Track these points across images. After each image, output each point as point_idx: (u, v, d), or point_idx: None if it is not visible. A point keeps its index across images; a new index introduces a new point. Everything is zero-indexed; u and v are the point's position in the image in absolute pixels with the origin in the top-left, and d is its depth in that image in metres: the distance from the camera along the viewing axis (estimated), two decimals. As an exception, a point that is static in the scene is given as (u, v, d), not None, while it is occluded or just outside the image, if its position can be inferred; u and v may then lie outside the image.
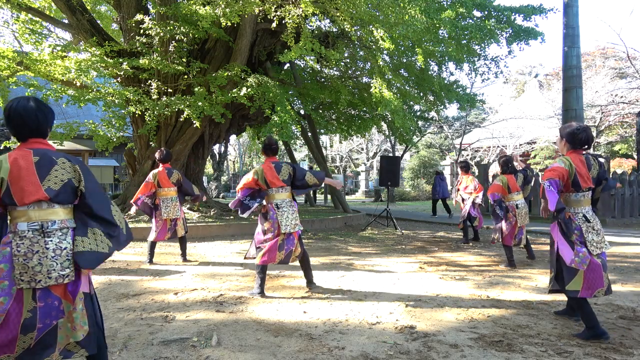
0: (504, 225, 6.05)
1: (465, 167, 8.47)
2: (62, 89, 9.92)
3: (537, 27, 9.56)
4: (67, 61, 8.94)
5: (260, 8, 8.15)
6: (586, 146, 3.35)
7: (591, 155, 3.39)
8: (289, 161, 4.55)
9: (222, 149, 27.74)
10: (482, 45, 9.74)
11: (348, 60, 12.88)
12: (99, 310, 2.31)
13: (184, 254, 6.29)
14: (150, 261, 6.09)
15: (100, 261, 2.19)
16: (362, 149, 34.18)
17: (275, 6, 8.11)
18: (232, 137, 28.09)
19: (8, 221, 2.16)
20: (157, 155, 6.33)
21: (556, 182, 3.20)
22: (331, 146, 35.07)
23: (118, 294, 4.41)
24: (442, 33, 9.13)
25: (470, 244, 8.30)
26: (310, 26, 11.14)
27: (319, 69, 13.13)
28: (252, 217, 11.17)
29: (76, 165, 2.22)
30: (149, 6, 10.57)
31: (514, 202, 6.11)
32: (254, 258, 4.47)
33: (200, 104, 8.83)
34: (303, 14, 7.83)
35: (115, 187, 22.04)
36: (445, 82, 11.57)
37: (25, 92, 10.36)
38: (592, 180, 3.31)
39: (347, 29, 8.48)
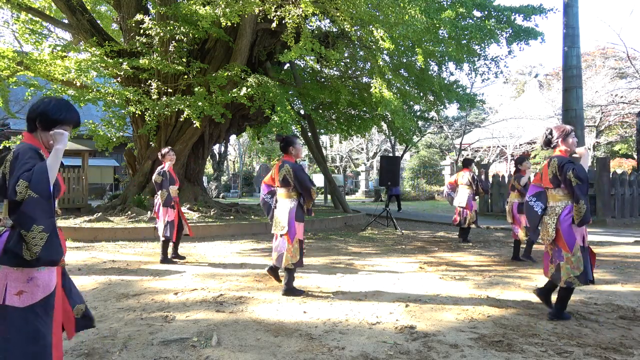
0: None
1: (466, 163, 8.45)
2: (62, 89, 9.94)
3: (537, 27, 9.57)
4: (67, 61, 8.95)
5: (260, 8, 8.16)
6: (546, 147, 3.79)
7: (555, 158, 3.60)
8: (295, 163, 4.45)
9: (222, 149, 27.75)
10: (482, 45, 9.75)
11: (348, 60, 12.88)
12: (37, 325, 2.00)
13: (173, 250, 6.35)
14: (173, 257, 6.25)
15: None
16: (362, 149, 34.20)
17: (275, 6, 8.11)
18: (232, 137, 28.08)
19: None
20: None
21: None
22: (331, 146, 35.09)
23: (118, 294, 4.41)
24: (442, 33, 9.13)
25: (471, 243, 8.29)
26: (310, 26, 11.15)
27: (319, 69, 13.14)
28: (253, 216, 11.17)
29: (9, 160, 1.97)
30: (149, 6, 10.58)
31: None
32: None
33: (200, 104, 8.84)
34: (303, 14, 7.83)
35: (115, 187, 22.05)
36: (445, 82, 11.57)
37: (26, 92, 10.37)
38: (548, 180, 3.61)
39: (347, 29, 8.48)
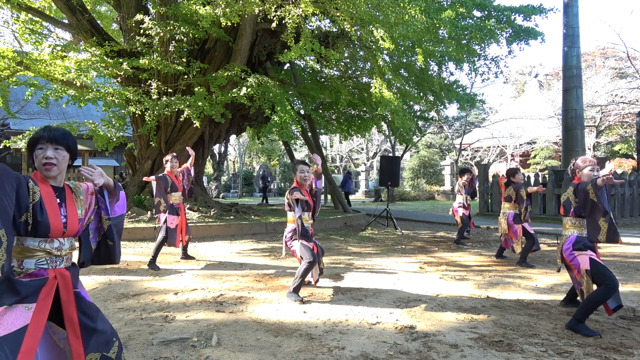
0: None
1: (461, 172, 8.57)
2: (62, 89, 9.93)
3: (537, 27, 9.58)
4: (67, 61, 8.94)
5: (260, 8, 8.15)
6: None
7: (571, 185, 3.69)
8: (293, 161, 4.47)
9: (222, 149, 27.75)
10: (482, 45, 9.74)
11: (348, 60, 12.88)
12: None
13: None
14: (182, 259, 6.33)
15: None
16: (362, 149, 34.23)
17: (275, 6, 8.11)
18: (232, 137, 28.10)
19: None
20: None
21: None
22: (331, 146, 35.08)
23: (118, 294, 4.41)
24: (442, 33, 9.13)
25: (470, 243, 8.30)
26: (310, 26, 11.15)
27: (319, 69, 13.13)
28: (253, 216, 11.18)
29: None
30: (149, 6, 10.57)
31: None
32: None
33: (200, 104, 8.83)
34: (303, 14, 7.83)
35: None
36: (445, 82, 11.57)
37: (26, 92, 10.38)
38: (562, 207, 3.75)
39: (347, 29, 8.48)
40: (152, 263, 5.65)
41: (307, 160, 4.60)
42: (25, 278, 1.89)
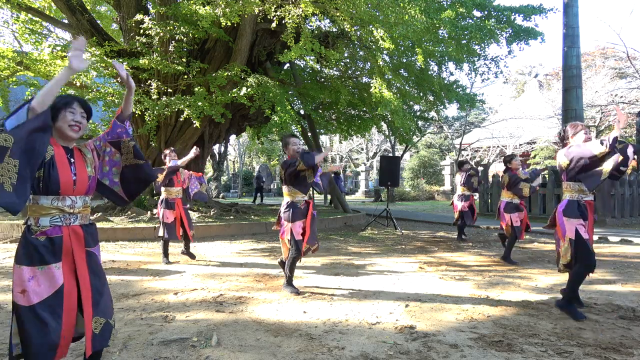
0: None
1: (459, 164, 8.66)
2: (62, 88, 9.91)
3: (537, 27, 9.59)
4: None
5: (260, 8, 8.15)
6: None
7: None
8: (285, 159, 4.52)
9: (222, 149, 27.77)
10: (482, 45, 9.76)
11: (348, 60, 12.89)
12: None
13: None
14: (182, 253, 6.38)
15: None
16: (362, 149, 34.24)
17: (275, 6, 8.11)
18: (232, 137, 28.10)
19: None
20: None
21: None
22: (331, 146, 35.10)
23: (118, 294, 4.41)
24: (442, 33, 9.13)
25: (470, 243, 8.30)
26: (310, 26, 11.15)
27: (319, 69, 13.14)
28: (253, 216, 11.18)
29: None
30: (149, 6, 10.58)
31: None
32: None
33: (200, 104, 8.84)
34: (303, 14, 7.83)
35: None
36: (445, 82, 11.58)
37: (26, 92, 10.39)
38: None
39: (347, 29, 8.48)
40: (166, 258, 6.03)
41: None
42: (42, 235, 2.04)
